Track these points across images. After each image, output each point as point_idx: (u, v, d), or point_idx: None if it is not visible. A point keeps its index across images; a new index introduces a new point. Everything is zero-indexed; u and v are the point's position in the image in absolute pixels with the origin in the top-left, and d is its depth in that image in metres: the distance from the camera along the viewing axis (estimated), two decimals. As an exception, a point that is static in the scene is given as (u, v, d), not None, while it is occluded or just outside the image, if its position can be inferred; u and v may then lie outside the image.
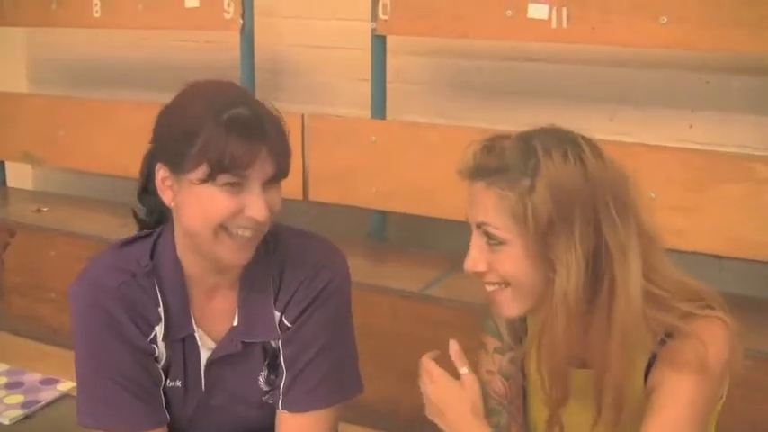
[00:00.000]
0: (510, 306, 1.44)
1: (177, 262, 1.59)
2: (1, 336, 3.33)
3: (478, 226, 1.41)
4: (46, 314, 3.39)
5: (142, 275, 1.58)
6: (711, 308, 1.41)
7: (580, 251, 1.34)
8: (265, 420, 1.69)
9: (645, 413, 1.40)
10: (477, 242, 1.43)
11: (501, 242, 1.38)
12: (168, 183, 1.51)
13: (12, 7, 3.79)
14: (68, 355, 2.53)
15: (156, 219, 1.65)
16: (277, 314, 1.62)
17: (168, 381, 1.63)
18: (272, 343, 1.65)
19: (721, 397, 1.47)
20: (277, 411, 1.67)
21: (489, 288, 1.45)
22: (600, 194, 1.35)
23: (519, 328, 1.59)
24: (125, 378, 1.57)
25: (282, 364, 1.64)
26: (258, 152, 1.44)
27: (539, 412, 1.57)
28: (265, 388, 1.68)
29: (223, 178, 1.43)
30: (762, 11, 2.42)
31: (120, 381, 1.57)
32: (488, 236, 1.40)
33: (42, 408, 2.70)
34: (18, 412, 2.65)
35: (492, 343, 1.61)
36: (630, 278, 1.36)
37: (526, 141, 1.39)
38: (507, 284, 1.42)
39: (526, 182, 1.34)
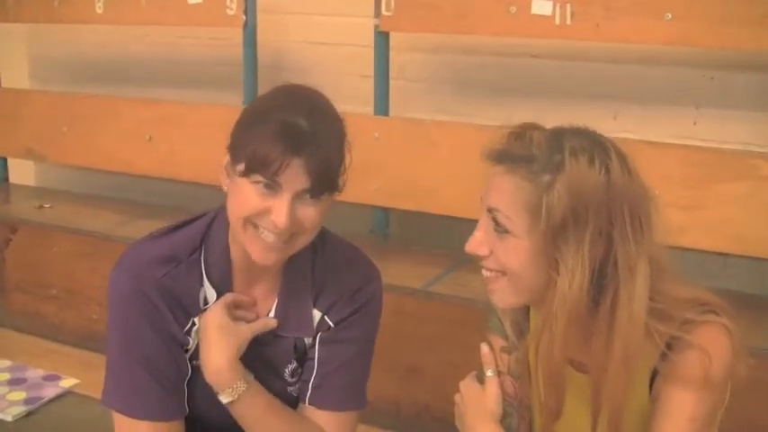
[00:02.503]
0: (503, 296, 1.44)
1: (226, 247, 1.64)
2: (3, 332, 3.33)
3: (489, 210, 1.40)
4: (48, 311, 3.39)
5: (188, 262, 1.63)
6: (714, 312, 1.39)
7: (587, 259, 1.32)
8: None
9: (648, 426, 1.40)
10: (484, 225, 1.41)
11: (508, 231, 1.37)
12: (227, 170, 1.56)
13: (14, 3, 3.79)
14: (71, 352, 2.53)
15: None
16: (318, 313, 1.68)
17: (195, 360, 1.67)
18: (305, 340, 1.69)
19: (723, 402, 1.45)
20: (301, 405, 1.71)
21: (486, 274, 1.43)
22: (618, 207, 1.33)
23: (523, 327, 1.58)
24: (155, 367, 1.61)
25: (315, 360, 1.69)
26: (290, 162, 1.45)
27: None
28: (290, 380, 1.72)
29: (255, 177, 1.47)
30: (767, 7, 2.42)
31: (150, 369, 1.61)
32: (497, 222, 1.38)
33: (45, 404, 2.70)
34: (21, 409, 2.64)
35: (497, 342, 1.60)
36: (635, 297, 1.34)
37: (556, 137, 1.37)
38: (504, 274, 1.40)
39: (546, 177, 1.32)
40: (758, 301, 2.60)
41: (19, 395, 2.73)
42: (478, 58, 3.22)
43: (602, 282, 1.34)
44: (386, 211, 3.24)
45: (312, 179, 1.48)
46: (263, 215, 1.49)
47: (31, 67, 4.34)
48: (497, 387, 1.54)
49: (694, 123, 2.87)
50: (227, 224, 1.61)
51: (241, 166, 1.48)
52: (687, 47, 2.71)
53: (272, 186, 1.47)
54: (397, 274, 2.84)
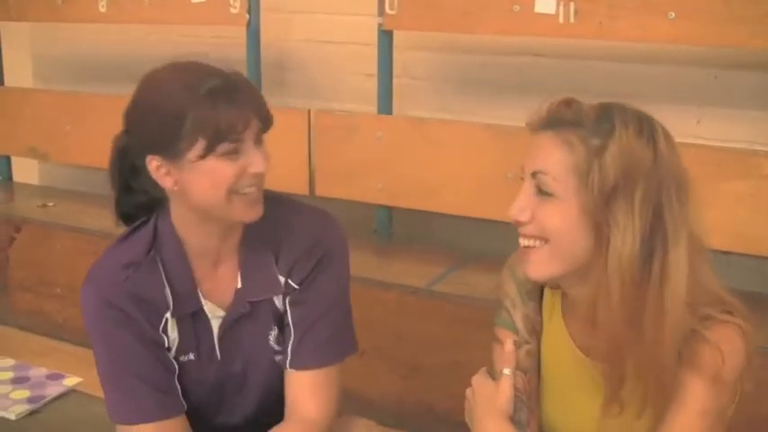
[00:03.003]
0: (542, 266, 1.42)
1: (178, 241, 1.65)
2: (6, 331, 3.33)
3: (534, 175, 1.39)
4: (51, 309, 3.39)
5: (147, 262, 1.64)
6: (730, 313, 1.40)
7: (638, 220, 1.33)
8: (280, 388, 1.73)
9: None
10: (526, 191, 1.41)
11: (553, 195, 1.37)
12: (164, 170, 1.54)
13: (18, 3, 3.80)
14: (74, 350, 2.53)
15: (145, 210, 1.69)
16: (282, 278, 1.68)
17: (181, 356, 1.68)
18: (277, 303, 1.70)
19: (732, 404, 1.45)
20: (285, 373, 1.72)
21: (525, 242, 1.43)
22: (665, 177, 1.35)
23: (535, 321, 1.58)
24: (142, 371, 1.63)
25: (290, 324, 1.70)
26: (247, 113, 1.51)
27: (552, 404, 1.56)
28: (276, 347, 1.73)
29: (222, 148, 1.49)
30: (770, 6, 2.42)
31: (138, 374, 1.62)
32: (542, 186, 1.38)
33: (48, 403, 2.70)
34: (24, 407, 2.65)
35: (507, 336, 1.59)
36: (682, 263, 1.35)
37: (605, 108, 1.40)
38: (545, 241, 1.40)
39: (597, 141, 1.34)
40: (761, 299, 2.59)
41: (22, 393, 2.73)
42: (482, 57, 3.22)
43: (650, 248, 1.35)
44: (389, 209, 3.24)
45: (261, 117, 1.54)
46: (241, 177, 1.52)
47: (35, 66, 4.34)
48: (512, 386, 1.53)
49: (698, 122, 2.87)
50: (170, 222, 1.64)
51: (197, 150, 1.49)
52: (690, 46, 2.71)
53: (237, 147, 1.50)
54: (400, 272, 2.84)
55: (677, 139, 2.74)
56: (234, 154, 1.50)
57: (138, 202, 1.67)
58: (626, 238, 1.33)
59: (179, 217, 1.63)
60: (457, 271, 2.87)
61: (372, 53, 3.12)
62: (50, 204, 3.69)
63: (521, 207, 1.41)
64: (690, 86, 2.88)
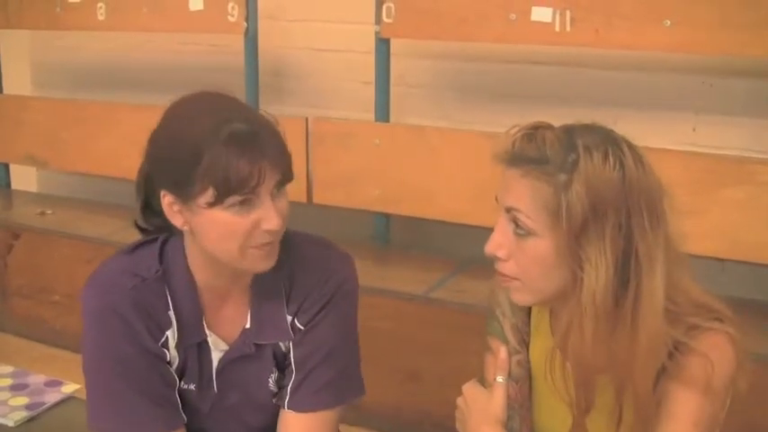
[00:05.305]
0: (521, 295, 1.43)
1: (188, 272, 1.59)
2: (5, 338, 3.34)
3: (508, 210, 1.38)
4: (50, 316, 3.40)
5: (152, 280, 1.59)
6: (720, 320, 1.40)
7: (610, 253, 1.31)
8: (274, 425, 1.70)
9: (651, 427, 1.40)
10: (503, 226, 1.40)
11: (529, 232, 1.36)
12: (176, 208, 1.50)
13: (17, 10, 3.80)
14: (72, 357, 2.54)
15: (161, 229, 1.64)
16: (289, 317, 1.64)
17: (183, 383, 1.64)
18: (282, 345, 1.66)
19: (723, 410, 1.46)
20: (281, 411, 1.68)
21: (500, 277, 1.43)
22: (635, 201, 1.32)
23: (523, 331, 1.58)
24: (139, 382, 1.57)
25: (292, 364, 1.66)
26: (263, 167, 1.43)
27: (546, 412, 1.57)
28: (275, 390, 1.69)
29: (231, 199, 1.43)
30: (765, 14, 2.43)
31: (135, 385, 1.57)
32: (517, 223, 1.37)
33: (47, 410, 2.70)
34: (23, 414, 2.64)
35: (498, 345, 1.59)
36: (656, 289, 1.34)
37: (568, 135, 1.36)
38: (517, 278, 1.40)
39: (563, 177, 1.32)
40: (756, 306, 2.60)
41: (21, 400, 2.73)
42: (479, 65, 3.23)
43: (624, 276, 1.34)
44: (387, 216, 3.24)
45: (281, 172, 1.47)
46: (253, 231, 1.46)
47: (33, 74, 4.35)
48: (506, 393, 1.53)
49: (693, 129, 2.89)
50: (182, 251, 1.59)
51: (207, 197, 1.43)
52: (686, 53, 2.72)
53: (250, 200, 1.44)
54: (397, 279, 2.85)
55: (673, 147, 2.76)
56: (246, 206, 1.44)
57: (156, 224, 1.62)
58: (599, 274, 1.31)
59: (191, 254, 1.59)
60: (454, 278, 2.88)
61: (370, 61, 3.13)
62: (49, 212, 3.69)
63: (498, 243, 1.40)
64: (685, 94, 2.89)
